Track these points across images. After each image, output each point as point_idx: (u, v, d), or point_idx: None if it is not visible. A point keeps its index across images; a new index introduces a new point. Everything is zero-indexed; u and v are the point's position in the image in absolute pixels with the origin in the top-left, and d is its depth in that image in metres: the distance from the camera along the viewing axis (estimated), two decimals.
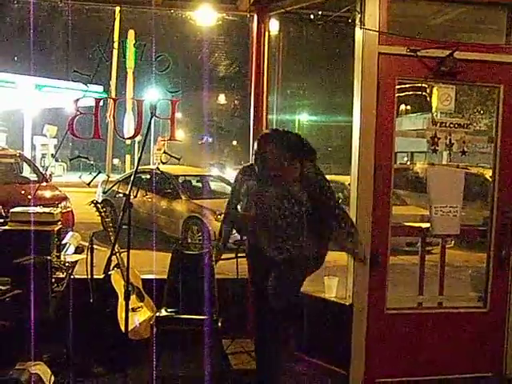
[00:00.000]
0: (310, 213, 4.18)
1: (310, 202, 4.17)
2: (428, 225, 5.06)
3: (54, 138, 20.28)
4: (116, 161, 30.80)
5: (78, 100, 4.72)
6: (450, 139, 5.02)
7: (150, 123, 3.66)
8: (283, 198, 4.16)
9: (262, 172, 4.17)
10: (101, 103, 4.86)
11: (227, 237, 4.77)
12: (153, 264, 6.37)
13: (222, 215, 4.86)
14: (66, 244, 4.94)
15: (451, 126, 5.06)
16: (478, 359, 5.14)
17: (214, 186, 14.76)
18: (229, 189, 14.48)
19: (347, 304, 4.89)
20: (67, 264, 4.59)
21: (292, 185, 4.16)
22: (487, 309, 5.16)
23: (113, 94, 22.18)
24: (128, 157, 26.11)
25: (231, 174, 25.97)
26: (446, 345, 5.05)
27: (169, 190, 13.32)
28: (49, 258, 3.93)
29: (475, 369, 5.12)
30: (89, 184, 4.84)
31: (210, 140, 45.53)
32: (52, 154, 19.08)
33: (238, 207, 4.56)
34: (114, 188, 11.16)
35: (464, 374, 5.08)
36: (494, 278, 5.12)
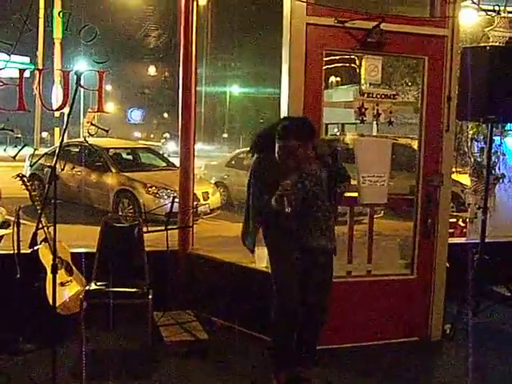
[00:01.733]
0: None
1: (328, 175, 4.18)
2: (356, 194, 5.13)
3: None
4: (45, 134, 30.09)
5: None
6: (377, 110, 5.09)
7: (75, 94, 3.58)
8: (309, 180, 4.13)
9: (287, 163, 3.99)
10: (27, 74, 4.73)
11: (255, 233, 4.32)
12: (83, 238, 6.29)
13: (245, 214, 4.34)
14: None
15: (378, 96, 5.12)
16: (406, 325, 5.29)
17: (144, 158, 14.62)
18: (160, 161, 14.44)
19: None
20: None
21: (312, 167, 4.12)
22: (414, 276, 5.30)
23: (40, 66, 21.60)
24: (57, 130, 25.54)
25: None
26: (376, 312, 5.17)
27: (99, 163, 13.14)
28: None
29: (404, 334, 5.28)
30: (14, 157, 4.72)
31: (139, 116, 45.10)
32: None
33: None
34: (41, 162, 11.06)
35: (392, 340, 5.21)
36: (421, 245, 5.26)
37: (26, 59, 15.89)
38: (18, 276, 4.78)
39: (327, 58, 4.94)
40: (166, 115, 41.66)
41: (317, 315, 4.31)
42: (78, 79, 3.56)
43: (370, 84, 5.23)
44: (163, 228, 5.42)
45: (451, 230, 6.50)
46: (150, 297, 4.65)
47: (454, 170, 5.88)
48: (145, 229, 5.32)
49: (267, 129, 4.18)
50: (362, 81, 5.28)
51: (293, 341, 4.25)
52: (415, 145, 5.93)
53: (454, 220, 7.67)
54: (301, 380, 4.31)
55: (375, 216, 5.49)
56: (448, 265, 5.34)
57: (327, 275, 4.31)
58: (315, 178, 4.14)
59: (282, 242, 4.18)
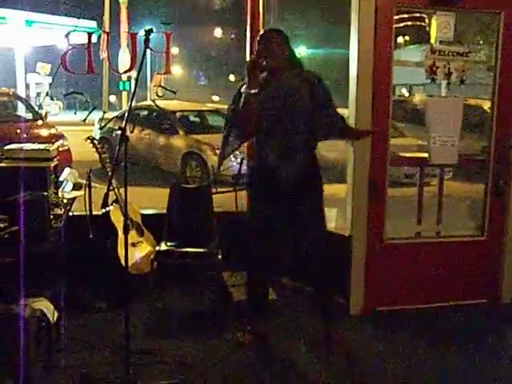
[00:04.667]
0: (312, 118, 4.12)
1: (312, 103, 4.09)
2: (426, 155, 5.05)
3: (48, 75, 19.93)
4: (113, 98, 30.48)
5: (68, 34, 4.64)
6: (449, 68, 4.95)
7: (144, 55, 3.59)
8: (289, 95, 4.07)
9: (268, 65, 4.04)
10: (94, 39, 4.78)
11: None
12: (152, 200, 6.38)
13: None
14: (63, 181, 4.92)
15: (450, 54, 4.97)
16: (475, 287, 5.21)
17: (212, 120, 14.67)
18: None
19: (346, 235, 4.91)
20: (65, 201, 4.59)
21: (295, 83, 4.11)
22: (485, 237, 5.20)
23: (106, 29, 21.77)
24: (124, 94, 25.84)
25: None
26: (444, 273, 5.10)
27: (166, 126, 13.27)
28: (46, 194, 3.92)
29: (472, 296, 5.19)
30: (84, 120, 4.79)
31: (204, 79, 45.25)
32: (47, 93, 18.82)
33: None
34: (110, 125, 11.25)
35: (461, 301, 5.14)
36: (492, 207, 5.15)
37: (93, 23, 16.05)
38: (91, 236, 4.90)
39: (396, 17, 4.81)
40: (231, 77, 41.62)
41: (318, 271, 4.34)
42: (147, 39, 3.57)
43: (442, 42, 5.09)
44: (232, 189, 5.46)
45: None
46: (220, 257, 4.70)
47: None
48: (214, 190, 5.36)
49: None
50: (433, 39, 5.14)
51: (265, 290, 4.44)
52: (486, 106, 5.77)
53: None
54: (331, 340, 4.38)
55: (445, 178, 5.40)
56: None
57: (314, 216, 4.26)
58: (294, 93, 4.07)
59: (261, 192, 4.22)
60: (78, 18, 4.56)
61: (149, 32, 3.61)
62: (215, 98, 40.03)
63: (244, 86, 4.01)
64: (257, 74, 4.00)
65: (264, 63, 4.00)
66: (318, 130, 4.15)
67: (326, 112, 4.13)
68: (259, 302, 4.44)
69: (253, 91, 3.94)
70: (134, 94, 4.05)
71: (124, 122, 3.54)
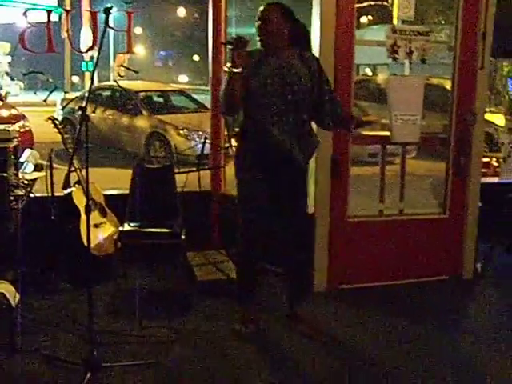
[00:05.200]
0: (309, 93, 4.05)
1: (309, 82, 4.04)
2: (388, 133, 5.08)
3: (8, 55, 19.57)
4: (76, 79, 30.09)
5: (26, 11, 4.56)
6: (410, 47, 4.98)
7: (103, 34, 3.54)
8: (286, 68, 4.00)
9: (267, 39, 4.00)
10: (55, 17, 4.71)
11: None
12: (116, 181, 6.34)
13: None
14: (24, 162, 4.86)
15: (411, 34, 5.00)
16: (437, 264, 5.30)
17: (175, 101, 14.60)
18: (192, 104, 14.40)
19: (309, 213, 4.94)
20: (26, 182, 4.54)
21: (293, 59, 4.04)
22: (447, 215, 5.27)
23: (67, 7, 21.42)
24: (87, 74, 25.55)
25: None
26: (407, 251, 5.18)
27: (130, 106, 13.17)
28: (5, 175, 3.87)
29: (435, 273, 5.29)
30: (45, 100, 4.73)
31: (168, 59, 44.86)
32: (6, 72, 18.51)
33: None
34: (72, 106, 11.12)
35: (424, 278, 5.23)
36: (454, 184, 5.23)
37: (54, 1, 15.79)
38: (53, 218, 4.86)
39: None
40: (196, 57, 41.34)
41: (292, 251, 4.29)
42: (107, 19, 3.52)
43: (403, 21, 5.12)
44: (195, 169, 5.44)
45: (484, 170, 6.42)
46: (183, 237, 4.70)
47: (487, 109, 5.78)
48: (176, 170, 5.34)
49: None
50: (395, 18, 5.17)
51: (255, 275, 4.34)
52: (448, 85, 5.83)
53: (487, 160, 7.57)
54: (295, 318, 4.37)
55: (407, 156, 5.45)
56: (480, 204, 5.31)
57: (299, 198, 4.24)
58: (294, 71, 4.01)
59: (251, 167, 4.10)
60: None
61: (108, 11, 3.56)
62: (183, 78, 39.71)
63: (228, 64, 3.92)
64: (242, 52, 3.89)
65: (260, 41, 4.00)
66: (322, 119, 4.16)
67: (324, 99, 4.11)
68: (250, 285, 4.35)
69: (236, 70, 3.84)
70: (93, 72, 4.01)
71: (84, 102, 3.51)
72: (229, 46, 3.89)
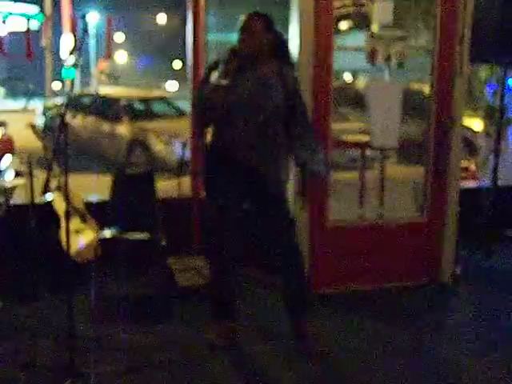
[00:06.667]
0: (283, 114, 4.01)
1: (284, 100, 3.98)
2: (367, 138, 5.12)
3: None
4: (57, 85, 30.03)
5: (5, 19, 4.56)
6: (388, 52, 5.02)
7: (82, 40, 3.55)
8: (262, 84, 3.95)
9: (248, 50, 3.94)
10: (34, 26, 4.71)
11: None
12: (96, 187, 6.33)
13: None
14: (3, 170, 4.84)
15: (389, 39, 5.05)
16: (417, 267, 5.33)
17: (157, 108, 14.56)
18: (173, 110, 14.38)
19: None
20: (5, 189, 4.52)
21: (271, 75, 3.98)
22: (426, 219, 5.31)
23: (48, 14, 21.35)
24: (68, 80, 25.49)
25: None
26: (387, 255, 5.21)
27: (111, 113, 13.14)
28: None
29: (415, 277, 5.32)
30: (25, 107, 4.71)
31: (149, 65, 44.80)
32: None
33: None
34: (53, 112, 11.10)
35: (405, 282, 5.26)
36: (432, 189, 5.26)
37: (35, 9, 15.74)
38: (33, 225, 4.83)
39: (339, 2, 4.86)
40: (176, 64, 41.34)
41: (289, 261, 4.19)
42: (85, 25, 3.53)
43: (382, 27, 5.16)
44: (176, 175, 5.45)
45: (463, 175, 6.48)
46: (163, 243, 4.69)
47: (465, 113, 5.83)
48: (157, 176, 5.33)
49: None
50: (374, 23, 5.21)
51: (230, 287, 4.23)
52: (428, 90, 5.88)
53: (466, 165, 7.65)
54: (301, 335, 4.19)
55: (388, 161, 5.49)
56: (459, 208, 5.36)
57: (282, 213, 4.15)
58: (269, 87, 3.96)
59: (220, 177, 4.05)
60: (15, 1, 4.47)
61: (84, 17, 3.56)
62: (171, 85, 39.39)
63: (216, 74, 3.90)
64: (233, 64, 3.88)
65: (244, 52, 3.93)
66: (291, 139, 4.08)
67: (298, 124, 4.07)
68: (225, 295, 4.24)
69: (223, 82, 3.82)
70: (72, 80, 4.02)
71: (63, 108, 3.50)
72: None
